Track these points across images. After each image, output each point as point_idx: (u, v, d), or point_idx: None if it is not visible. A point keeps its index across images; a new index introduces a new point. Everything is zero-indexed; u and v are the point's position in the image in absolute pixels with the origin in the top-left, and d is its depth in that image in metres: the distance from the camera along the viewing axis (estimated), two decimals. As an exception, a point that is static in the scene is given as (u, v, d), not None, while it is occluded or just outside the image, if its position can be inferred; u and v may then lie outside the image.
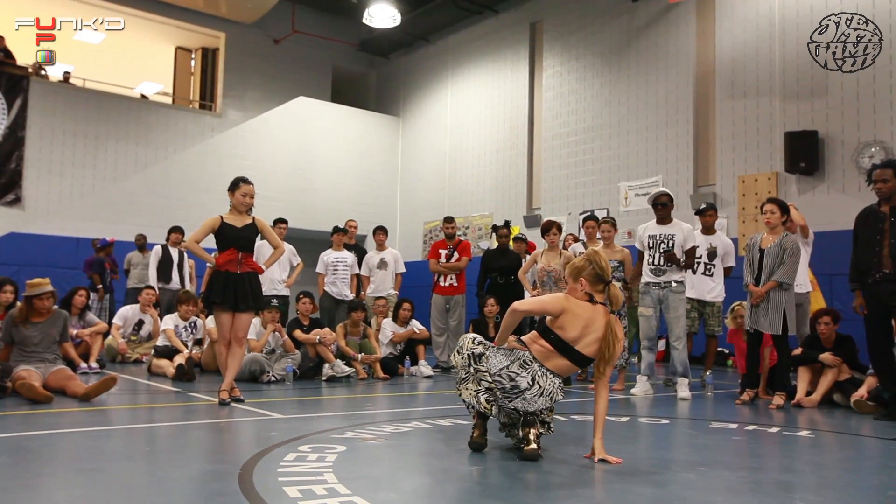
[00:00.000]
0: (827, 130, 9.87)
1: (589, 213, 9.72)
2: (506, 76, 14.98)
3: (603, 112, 12.89)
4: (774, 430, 4.76)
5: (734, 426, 4.85)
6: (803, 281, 6.77)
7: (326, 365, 7.31)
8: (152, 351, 7.92)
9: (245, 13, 15.93)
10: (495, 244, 8.89)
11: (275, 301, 7.82)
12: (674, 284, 6.43)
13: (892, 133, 9.31)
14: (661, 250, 6.45)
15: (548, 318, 3.60)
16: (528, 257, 8.02)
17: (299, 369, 7.24)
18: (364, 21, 14.78)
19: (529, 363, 3.50)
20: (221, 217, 5.51)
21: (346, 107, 16.96)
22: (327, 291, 9.01)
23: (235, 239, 5.45)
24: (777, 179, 10.32)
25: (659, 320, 6.58)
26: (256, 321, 7.13)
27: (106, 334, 8.28)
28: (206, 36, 16.54)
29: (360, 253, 9.69)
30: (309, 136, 15.90)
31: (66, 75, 15.23)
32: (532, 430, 3.50)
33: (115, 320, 8.93)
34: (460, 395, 3.66)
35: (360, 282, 9.26)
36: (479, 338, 3.72)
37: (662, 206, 6.58)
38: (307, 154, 15.84)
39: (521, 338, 3.66)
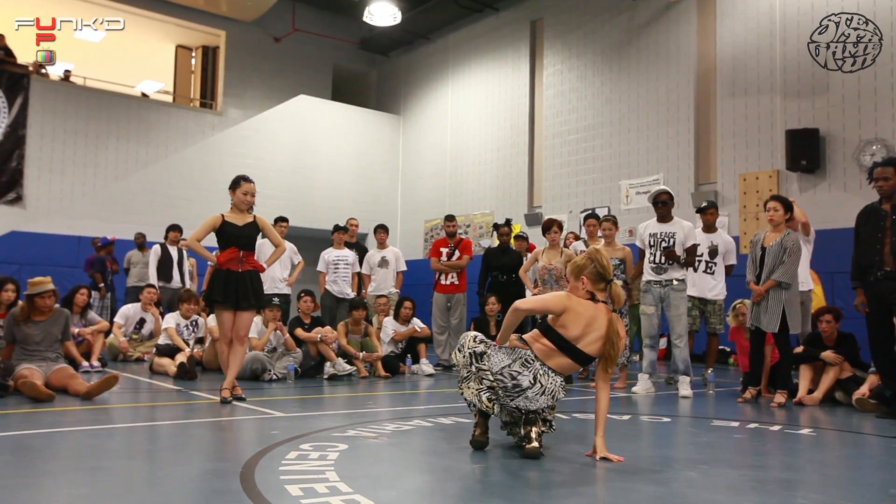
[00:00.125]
0: (828, 128, 9.86)
1: (590, 212, 9.71)
2: (506, 74, 14.96)
3: (604, 110, 12.87)
4: (776, 428, 4.76)
5: (736, 424, 4.85)
6: (805, 279, 6.77)
7: (328, 363, 7.31)
8: (154, 349, 7.92)
9: (245, 11, 15.92)
10: (496, 242, 8.89)
11: (276, 299, 7.83)
12: (675, 283, 6.42)
13: (893, 131, 9.29)
14: (662, 248, 6.44)
15: (549, 316, 3.60)
16: (528, 256, 8.02)
17: (301, 368, 7.24)
18: (364, 19, 14.77)
19: (531, 362, 3.50)
20: (222, 215, 5.51)
21: (346, 105, 16.96)
22: (328, 290, 9.02)
23: (237, 237, 5.46)
24: (778, 177, 10.31)
25: (660, 318, 6.57)
26: (258, 320, 7.13)
27: (107, 333, 8.29)
28: (207, 34, 16.53)
29: (362, 251, 9.69)
30: (309, 135, 15.90)
31: (67, 74, 15.23)
32: (534, 429, 3.50)
33: (116, 319, 8.93)
34: (462, 393, 3.66)
35: (361, 280, 9.27)
36: (481, 336, 3.72)
37: (663, 205, 6.58)
38: (308, 152, 15.84)
39: (523, 336, 3.65)
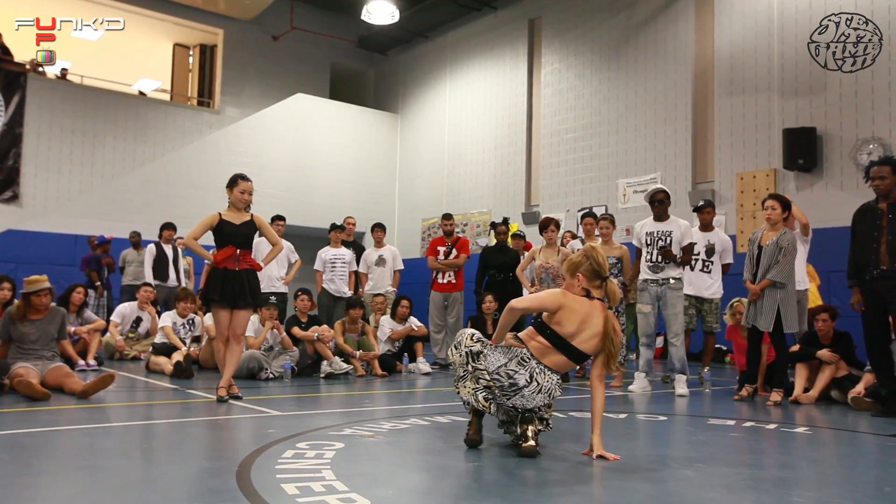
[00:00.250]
0: (825, 127, 9.87)
1: (587, 210, 9.72)
2: (504, 73, 14.96)
3: (601, 109, 12.88)
4: (772, 426, 4.77)
5: (732, 423, 4.86)
6: (801, 278, 6.78)
7: (325, 362, 7.31)
8: (150, 348, 7.91)
9: (243, 10, 15.90)
10: (494, 241, 8.89)
11: (273, 298, 7.83)
12: (672, 281, 6.43)
13: (890, 130, 9.31)
14: (659, 247, 6.45)
15: (544, 313, 3.60)
16: (526, 254, 8.02)
17: (297, 366, 7.24)
18: (362, 18, 14.77)
19: (527, 360, 3.50)
20: (220, 214, 5.51)
21: (344, 104, 16.95)
22: (325, 288, 9.01)
23: (234, 236, 5.45)
24: (775, 176, 10.32)
25: (657, 317, 6.58)
26: (255, 318, 7.13)
27: (104, 331, 8.28)
28: (205, 32, 16.50)
29: (359, 250, 9.68)
30: (307, 133, 15.89)
31: (64, 72, 15.20)
32: (530, 427, 3.50)
33: (113, 317, 8.92)
34: (458, 392, 3.66)
35: (358, 279, 9.26)
36: (478, 334, 3.72)
37: (659, 203, 6.59)
38: (305, 151, 15.83)
39: (518, 334, 3.65)
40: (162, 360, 7.32)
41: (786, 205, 6.05)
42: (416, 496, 2.86)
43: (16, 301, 6.00)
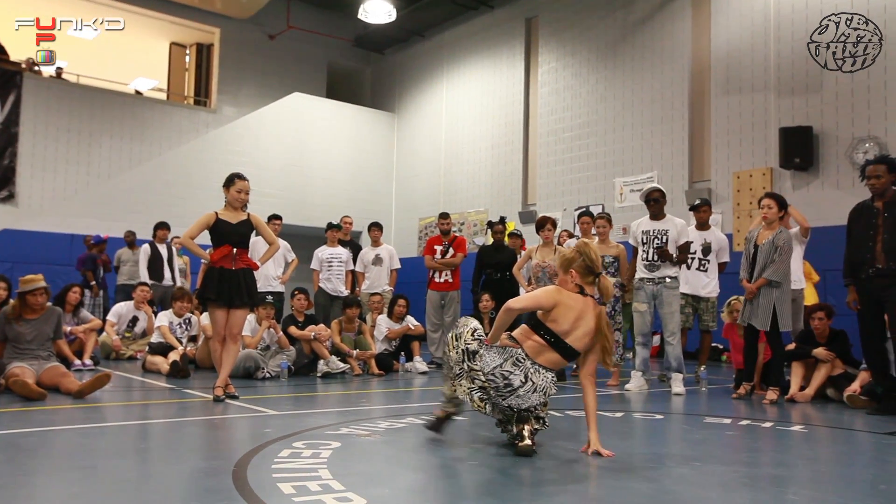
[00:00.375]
0: (821, 126, 9.89)
1: (584, 209, 9.74)
2: (501, 72, 14.96)
3: (598, 108, 12.89)
4: (768, 424, 4.78)
5: (728, 421, 4.87)
6: (797, 277, 6.80)
7: (321, 361, 7.30)
8: (147, 348, 7.90)
9: (240, 9, 15.87)
10: (490, 240, 8.89)
11: (270, 297, 7.81)
12: (668, 280, 6.44)
13: (885, 129, 9.33)
14: (655, 246, 6.46)
15: (539, 311, 3.60)
16: (522, 253, 8.02)
17: (294, 366, 7.23)
18: (359, 17, 14.75)
19: (522, 361, 3.50)
20: (216, 213, 5.50)
21: (341, 103, 16.93)
22: (322, 288, 9.01)
23: (230, 235, 5.44)
24: (772, 175, 10.34)
25: (653, 316, 6.59)
26: (251, 318, 7.12)
27: (100, 331, 8.26)
28: (201, 31, 16.47)
29: (355, 249, 9.68)
30: (304, 133, 15.87)
31: (59, 71, 15.15)
32: (526, 427, 3.50)
33: (109, 317, 8.90)
34: (455, 390, 3.66)
35: (355, 278, 9.26)
36: (479, 330, 3.71)
37: (655, 202, 6.60)
38: (302, 150, 15.81)
39: (512, 334, 3.65)
40: (158, 359, 7.30)
41: (782, 204, 6.06)
42: (412, 495, 2.86)
43: (11, 301, 5.99)
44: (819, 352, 6.01)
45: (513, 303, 3.56)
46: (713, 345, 9.08)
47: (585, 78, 13.18)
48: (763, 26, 10.63)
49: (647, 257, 6.52)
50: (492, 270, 8.43)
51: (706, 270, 7.35)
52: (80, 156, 14.03)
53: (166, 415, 4.94)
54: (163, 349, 7.53)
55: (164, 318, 8.09)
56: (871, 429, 4.69)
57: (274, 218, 8.82)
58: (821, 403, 5.88)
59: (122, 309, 8.92)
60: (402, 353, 8.13)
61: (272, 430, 4.07)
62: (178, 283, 9.94)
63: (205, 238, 5.52)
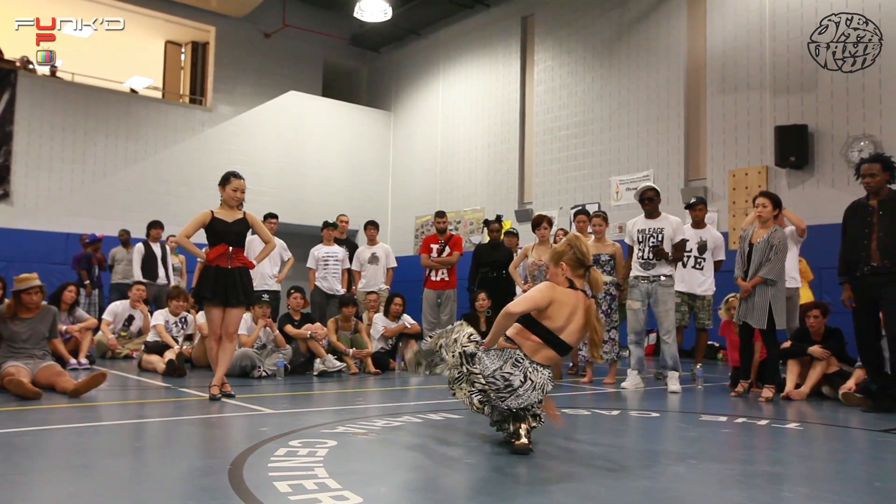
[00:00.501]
0: (817, 124, 9.91)
1: (580, 208, 9.73)
2: (497, 70, 14.96)
3: (594, 106, 12.89)
4: (764, 422, 4.79)
5: (724, 419, 4.88)
6: (793, 276, 6.81)
7: (317, 360, 7.30)
8: (142, 346, 7.88)
9: (235, 7, 15.84)
10: (487, 239, 8.89)
11: (266, 296, 7.80)
12: (663, 278, 6.45)
13: (880, 127, 9.35)
14: (650, 244, 6.47)
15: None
16: (519, 252, 8.02)
17: (290, 364, 7.22)
18: (355, 15, 14.71)
19: (521, 361, 3.49)
20: (212, 212, 5.49)
21: (337, 101, 16.91)
22: (318, 286, 9.00)
23: (226, 234, 5.44)
24: (767, 173, 10.36)
25: (647, 314, 6.60)
26: (247, 316, 7.11)
27: (96, 330, 8.24)
28: (196, 30, 16.43)
29: (352, 248, 9.67)
30: (300, 131, 15.84)
31: (54, 69, 15.09)
32: (523, 425, 3.50)
33: (105, 316, 8.88)
34: (454, 394, 3.67)
35: (351, 276, 9.25)
36: (475, 334, 3.71)
37: (649, 201, 6.61)
38: (298, 149, 15.78)
39: (507, 334, 3.64)
40: (154, 358, 7.29)
41: (777, 202, 6.08)
42: (408, 493, 2.86)
43: (6, 300, 5.97)
44: (814, 350, 6.03)
45: (512, 307, 3.53)
46: (709, 343, 9.11)
47: (581, 76, 13.19)
48: (758, 25, 10.65)
49: (642, 256, 6.54)
50: (488, 269, 8.43)
51: (702, 269, 7.36)
52: (76, 154, 13.99)
53: (162, 414, 4.93)
54: (159, 348, 7.52)
55: (160, 316, 8.07)
56: (867, 426, 4.71)
57: (270, 216, 8.81)
58: (816, 401, 5.90)
59: (117, 308, 8.90)
60: (399, 351, 8.13)
61: (268, 428, 4.07)
62: (172, 282, 9.92)
63: (200, 237, 5.51)
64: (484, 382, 3.50)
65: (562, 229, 9.94)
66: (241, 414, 4.78)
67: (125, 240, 10.69)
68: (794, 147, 9.85)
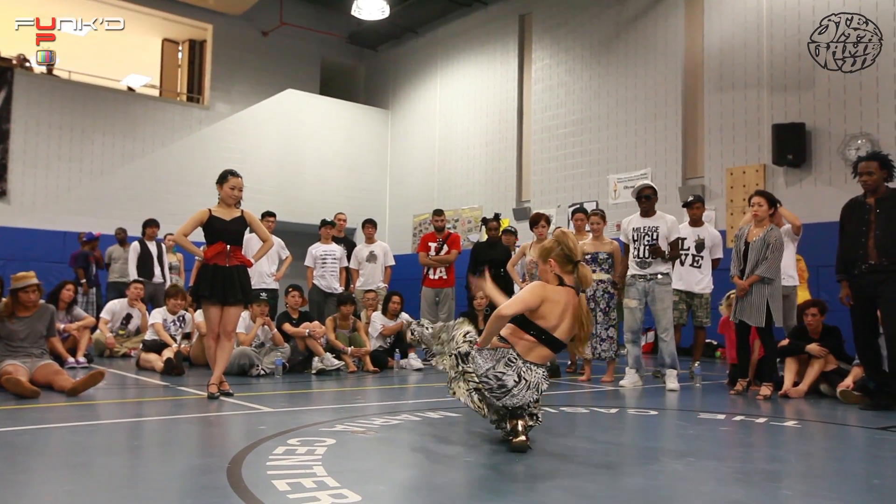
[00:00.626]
0: (814, 123, 9.92)
1: (578, 206, 9.73)
2: (495, 69, 14.95)
3: (592, 104, 12.89)
4: (762, 420, 4.80)
5: (722, 417, 4.88)
6: (790, 274, 6.82)
7: (316, 358, 7.29)
8: (141, 345, 7.87)
9: (233, 5, 15.80)
10: (485, 237, 8.89)
11: (264, 294, 7.80)
12: (660, 276, 6.45)
13: (878, 125, 9.36)
14: (646, 243, 6.48)
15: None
16: (517, 249, 8.02)
17: (289, 363, 7.22)
18: (352, 13, 14.69)
19: (514, 360, 3.49)
20: (210, 210, 5.48)
21: (334, 99, 16.89)
22: (316, 285, 8.99)
23: (224, 232, 5.43)
24: (765, 172, 10.37)
25: (644, 312, 6.60)
26: (245, 315, 7.11)
27: (94, 329, 8.23)
28: (194, 28, 16.40)
29: (349, 246, 9.67)
30: (297, 129, 15.83)
31: (51, 67, 15.06)
32: (520, 423, 3.51)
33: (102, 315, 8.87)
34: (454, 393, 3.68)
35: (349, 275, 9.24)
36: (472, 333, 3.71)
37: (646, 199, 6.61)
38: (296, 147, 15.77)
39: (501, 333, 3.63)
40: (152, 356, 7.28)
41: (772, 201, 6.09)
42: (407, 492, 2.86)
43: (3, 299, 5.96)
44: (812, 347, 6.04)
45: (503, 309, 3.50)
46: (707, 341, 9.11)
47: (579, 74, 13.18)
48: (756, 23, 10.65)
49: (638, 254, 6.54)
50: (486, 267, 8.42)
51: (700, 267, 7.37)
52: (73, 152, 13.96)
53: (160, 412, 4.93)
54: (157, 346, 7.51)
55: (158, 315, 8.06)
56: (864, 424, 4.72)
57: (267, 215, 8.81)
58: (814, 399, 5.91)
59: (115, 306, 8.89)
60: (397, 349, 8.13)
61: (267, 427, 4.07)
62: (168, 281, 9.90)
63: (198, 235, 5.50)
64: (478, 381, 3.51)
65: (559, 228, 9.94)
66: (239, 412, 4.77)
67: (122, 238, 10.67)
68: (792, 145, 9.86)
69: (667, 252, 6.46)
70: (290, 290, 7.72)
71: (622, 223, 6.88)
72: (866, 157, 5.59)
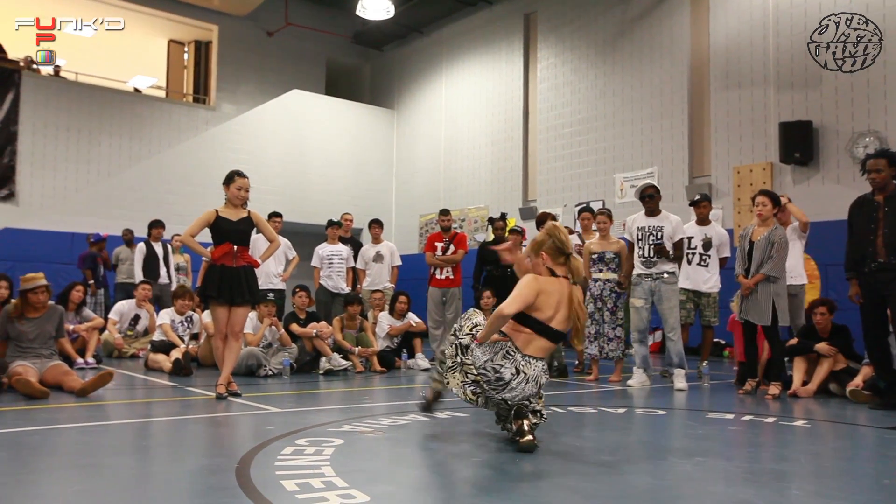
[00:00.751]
0: (821, 120, 9.88)
1: (584, 205, 9.74)
2: (500, 68, 14.94)
3: (598, 103, 12.87)
4: (771, 419, 4.78)
5: (731, 416, 4.87)
6: (799, 272, 6.79)
7: (323, 358, 7.30)
8: (149, 346, 7.90)
9: (238, 6, 15.85)
10: (491, 236, 8.88)
11: (271, 295, 7.80)
12: (665, 276, 6.43)
13: (885, 123, 9.32)
14: (651, 242, 6.47)
15: None
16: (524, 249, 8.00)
17: (296, 363, 7.23)
18: (357, 13, 14.71)
19: (512, 353, 3.50)
20: (216, 211, 5.49)
21: (340, 99, 16.91)
22: (323, 285, 9.00)
23: (231, 233, 5.44)
24: (772, 170, 10.33)
25: (651, 312, 6.59)
26: (253, 315, 7.12)
27: (102, 329, 8.26)
28: (199, 29, 16.44)
29: (356, 246, 9.66)
30: (303, 130, 15.85)
31: (58, 69, 15.13)
32: (525, 422, 3.50)
33: (111, 315, 8.90)
34: (448, 382, 3.68)
35: (356, 275, 9.25)
36: (480, 325, 3.71)
37: (650, 199, 6.60)
38: (301, 147, 15.79)
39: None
40: (160, 357, 7.31)
41: (776, 201, 6.08)
42: (415, 492, 2.87)
43: (13, 300, 5.98)
44: (821, 347, 6.01)
45: (505, 308, 3.52)
46: (715, 340, 9.09)
47: (585, 73, 13.16)
48: (762, 20, 10.61)
49: (643, 254, 6.53)
50: (492, 267, 8.42)
51: (707, 266, 7.35)
52: (80, 154, 14.02)
53: (169, 413, 4.94)
54: (165, 347, 7.53)
55: (166, 316, 8.08)
56: (874, 423, 4.70)
57: (274, 215, 8.82)
58: (823, 398, 5.89)
59: (123, 307, 8.92)
60: (404, 349, 8.14)
61: (275, 427, 4.07)
62: (174, 282, 9.93)
63: (206, 236, 5.51)
64: (476, 373, 3.52)
65: (566, 227, 9.93)
66: (247, 413, 4.78)
67: (128, 239, 10.71)
68: (799, 143, 9.82)
69: (671, 252, 6.45)
70: (297, 290, 7.74)
71: (627, 221, 6.87)
72: (875, 154, 5.57)
